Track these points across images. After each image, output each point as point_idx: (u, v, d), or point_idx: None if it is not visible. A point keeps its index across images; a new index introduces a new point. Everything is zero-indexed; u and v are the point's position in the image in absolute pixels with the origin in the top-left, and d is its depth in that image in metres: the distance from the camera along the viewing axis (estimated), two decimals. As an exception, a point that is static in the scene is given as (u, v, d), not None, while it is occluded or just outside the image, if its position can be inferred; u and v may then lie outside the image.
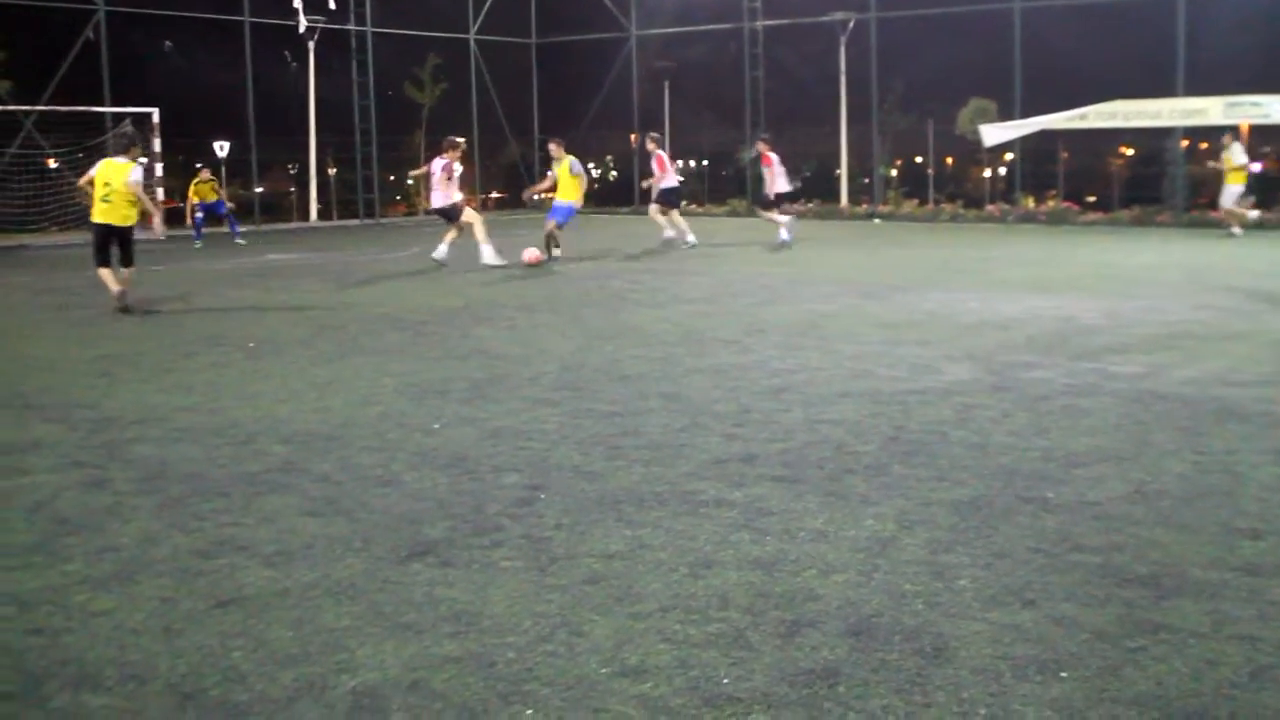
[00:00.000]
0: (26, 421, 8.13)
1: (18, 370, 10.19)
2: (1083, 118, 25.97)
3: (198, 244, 24.85)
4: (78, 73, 27.59)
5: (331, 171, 36.35)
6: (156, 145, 26.49)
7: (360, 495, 6.19)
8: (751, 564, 5.05)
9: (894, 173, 36.06)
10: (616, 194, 40.60)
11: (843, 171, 33.14)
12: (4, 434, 7.76)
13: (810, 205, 32.30)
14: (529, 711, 3.78)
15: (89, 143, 26.04)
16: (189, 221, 25.58)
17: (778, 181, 22.94)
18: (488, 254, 18.40)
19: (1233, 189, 23.26)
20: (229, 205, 26.40)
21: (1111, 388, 8.64)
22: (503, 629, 4.42)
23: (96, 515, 5.96)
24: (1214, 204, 24.85)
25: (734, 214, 33.22)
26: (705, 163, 43.41)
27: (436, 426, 7.71)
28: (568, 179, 19.38)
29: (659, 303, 13.92)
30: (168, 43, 33.94)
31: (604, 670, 4.06)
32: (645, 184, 23.73)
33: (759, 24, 33.65)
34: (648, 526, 5.57)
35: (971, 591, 4.72)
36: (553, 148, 20.00)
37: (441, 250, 18.48)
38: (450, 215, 18.60)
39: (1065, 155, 32.18)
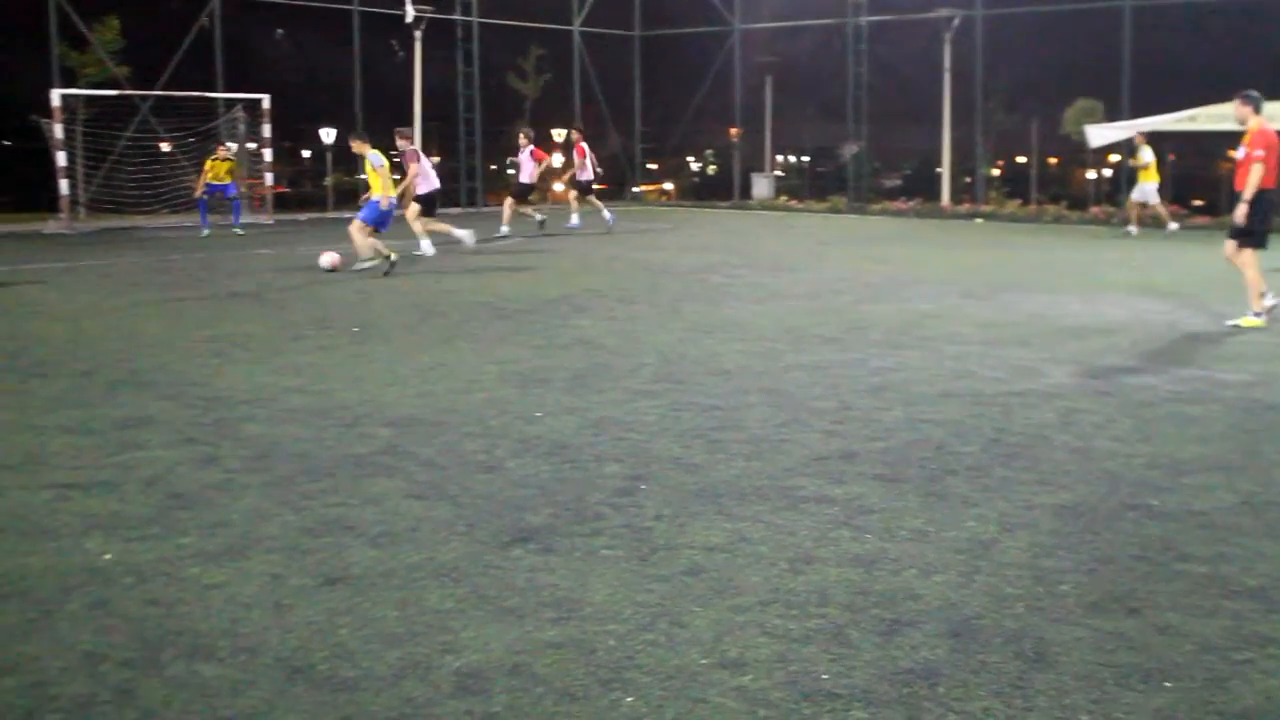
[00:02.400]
0: (142, 398, 8.36)
1: (134, 348, 10.46)
2: (1192, 119, 25.43)
3: (205, 232, 23.83)
4: (192, 59, 28.20)
5: (434, 160, 36.74)
6: (266, 131, 26.94)
7: (464, 480, 6.29)
8: (851, 561, 5.06)
9: (996, 172, 35.67)
10: (717, 188, 40.62)
11: (944, 170, 32.82)
12: (122, 410, 7.98)
13: (911, 203, 32.06)
14: (629, 699, 3.83)
15: (200, 127, 26.60)
16: (197, 194, 24.42)
17: (586, 169, 25.41)
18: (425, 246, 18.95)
19: (1147, 186, 24.28)
20: (240, 190, 24.81)
21: (1219, 395, 8.50)
22: (604, 617, 4.48)
23: (208, 491, 6.12)
24: None
25: (835, 210, 33.04)
26: (806, 159, 43.27)
27: (539, 415, 7.79)
28: (372, 174, 17.35)
29: (759, 298, 13.91)
30: (279, 30, 34.56)
31: (704, 661, 4.11)
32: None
33: (863, 19, 33.40)
34: (748, 520, 5.60)
35: (1074, 597, 4.69)
36: (353, 144, 17.81)
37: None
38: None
39: (1172, 158, 31.60)
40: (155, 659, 4.14)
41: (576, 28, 36.44)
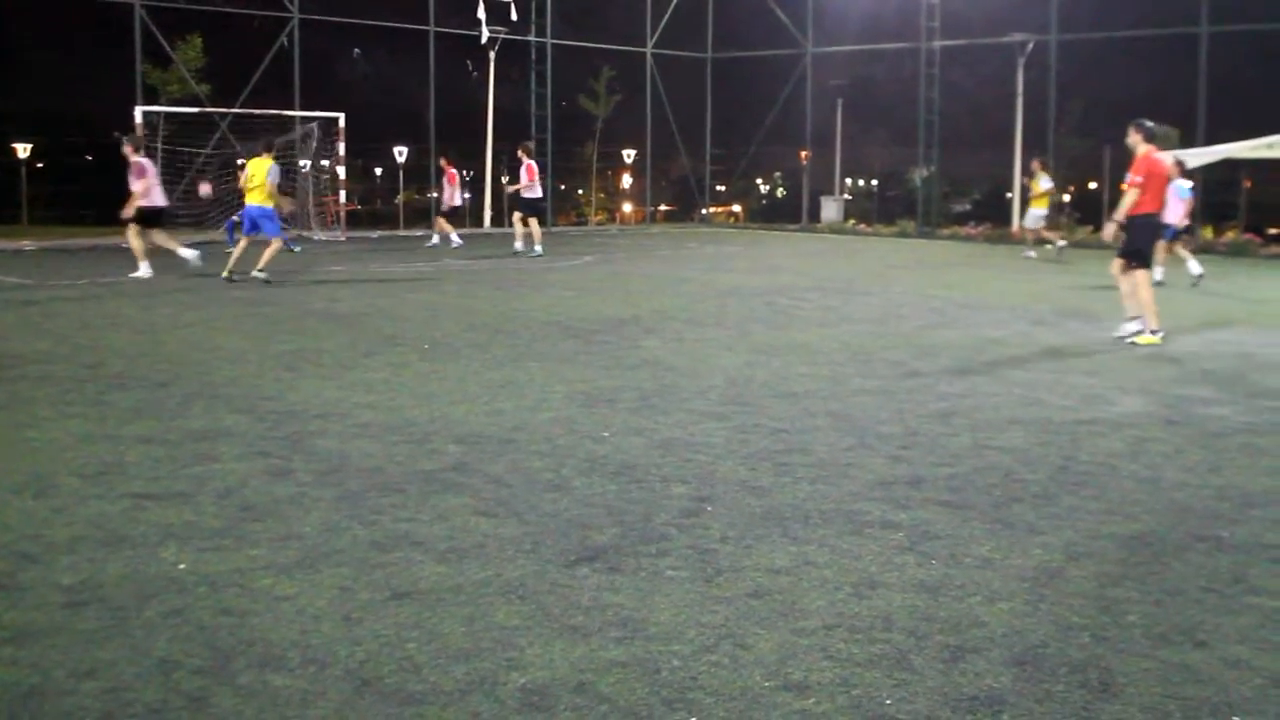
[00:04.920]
0: (217, 411, 8.50)
1: (209, 362, 10.63)
2: (1270, 147, 25.11)
3: (229, 249, 23.84)
4: (271, 77, 28.70)
5: (504, 179, 37.05)
6: (341, 149, 27.31)
7: (531, 498, 6.34)
8: (916, 587, 5.06)
9: (1066, 198, 35.42)
10: (785, 211, 40.63)
11: (1014, 195, 32.61)
12: (196, 422, 8.13)
13: (980, 229, 31.88)
14: (692, 719, 3.86)
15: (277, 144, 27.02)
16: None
17: (454, 196, 26.58)
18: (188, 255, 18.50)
19: (1036, 212, 25.10)
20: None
21: (1293, 428, 8.40)
22: (668, 637, 4.51)
23: (280, 504, 6.21)
24: None
25: (904, 235, 32.92)
26: (875, 182, 43.20)
27: (606, 435, 7.84)
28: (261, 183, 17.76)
29: (827, 321, 13.91)
30: (356, 50, 35.08)
31: (767, 684, 4.12)
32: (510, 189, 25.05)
33: (936, 44, 33.33)
34: (813, 544, 5.61)
35: (1140, 628, 4.66)
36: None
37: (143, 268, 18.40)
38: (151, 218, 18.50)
39: (1248, 185, 31.25)
40: (227, 668, 4.22)
41: (649, 49, 36.63)
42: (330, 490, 6.47)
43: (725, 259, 23.99)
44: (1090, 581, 5.16)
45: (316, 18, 29.61)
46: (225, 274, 17.64)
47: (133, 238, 18.40)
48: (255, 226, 17.93)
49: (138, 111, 24.92)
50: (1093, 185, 36.57)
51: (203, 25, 28.53)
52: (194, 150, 26.99)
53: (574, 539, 5.65)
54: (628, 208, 44.83)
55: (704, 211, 39.59)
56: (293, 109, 28.02)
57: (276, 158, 18.14)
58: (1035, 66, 31.26)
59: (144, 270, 18.28)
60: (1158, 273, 18.45)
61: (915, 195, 35.73)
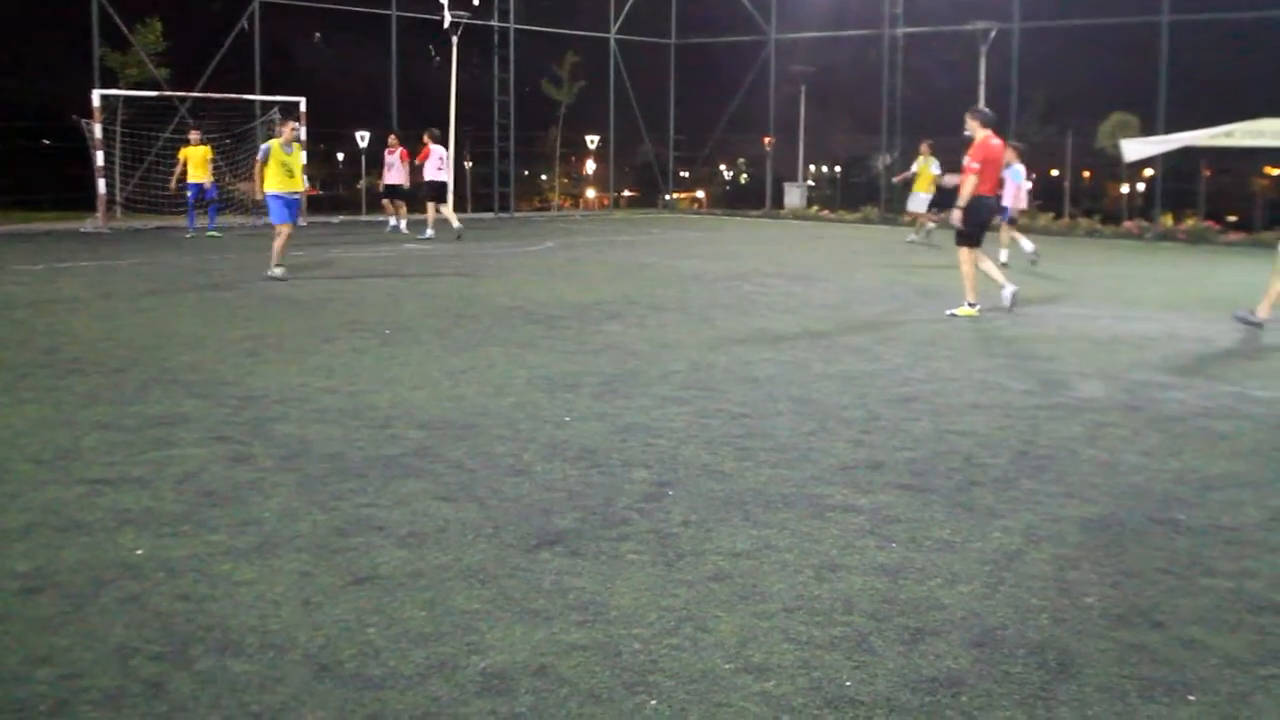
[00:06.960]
0: (176, 396, 8.43)
1: (168, 347, 10.55)
2: (1228, 135, 25.19)
3: (189, 234, 23.81)
4: (231, 61, 28.46)
5: (468, 165, 36.89)
6: (302, 133, 27.11)
7: (492, 483, 6.33)
8: (877, 570, 5.08)
9: (1029, 185, 35.56)
10: (749, 197, 40.65)
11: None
12: (156, 408, 8.06)
13: (943, 215, 31.96)
14: (653, 702, 3.86)
15: (237, 129, 26.79)
16: (174, 187, 24.36)
17: (393, 175, 26.17)
18: None
19: (921, 196, 25.35)
20: (218, 192, 24.57)
21: (1249, 412, 8.48)
22: (629, 620, 4.51)
23: (240, 489, 6.18)
24: None
25: (867, 221, 33.02)
26: (839, 169, 43.26)
27: (568, 419, 7.83)
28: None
29: (789, 308, 13.92)
30: (317, 34, 34.83)
31: (728, 666, 4.13)
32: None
33: (899, 31, 33.39)
34: (774, 527, 5.63)
35: (1098, 609, 4.69)
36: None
37: None
38: None
39: (1207, 173, 31.46)
40: (185, 653, 4.19)
41: (612, 35, 36.54)
42: (290, 475, 6.44)
43: (688, 245, 23.98)
44: (1049, 564, 5.19)
45: (278, 1, 29.40)
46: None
47: (432, 210, 18.78)
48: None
49: (95, 95, 24.66)
50: (1055, 173, 36.72)
51: (162, 8, 28.24)
52: (154, 134, 26.72)
53: (535, 523, 5.65)
54: (591, 193, 44.74)
55: (668, 197, 39.55)
56: (253, 93, 27.80)
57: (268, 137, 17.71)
58: (998, 54, 31.34)
59: (430, 232, 18.65)
60: (1002, 254, 18.94)
61: (878, 182, 35.79)
